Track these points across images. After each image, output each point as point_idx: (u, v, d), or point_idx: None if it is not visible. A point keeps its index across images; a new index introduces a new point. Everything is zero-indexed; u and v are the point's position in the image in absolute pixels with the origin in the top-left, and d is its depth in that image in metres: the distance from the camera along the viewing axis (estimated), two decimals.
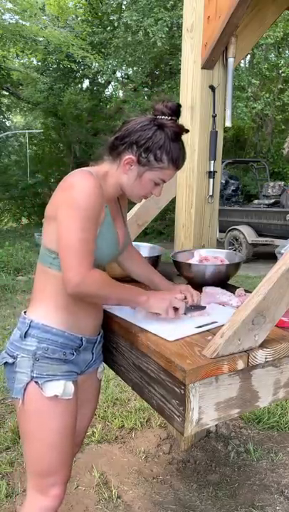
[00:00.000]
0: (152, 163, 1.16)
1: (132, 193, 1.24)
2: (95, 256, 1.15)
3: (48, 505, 1.21)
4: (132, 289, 1.23)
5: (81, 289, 1.08)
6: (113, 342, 1.40)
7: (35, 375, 1.15)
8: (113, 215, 1.25)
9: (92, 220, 1.10)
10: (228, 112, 1.91)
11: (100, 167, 1.22)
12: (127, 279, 1.69)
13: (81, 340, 1.23)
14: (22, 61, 13.19)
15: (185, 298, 1.38)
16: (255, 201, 8.67)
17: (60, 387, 1.16)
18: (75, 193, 1.09)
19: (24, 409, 1.17)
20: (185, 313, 1.26)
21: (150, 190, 1.23)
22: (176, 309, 1.23)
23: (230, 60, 1.83)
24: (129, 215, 2.03)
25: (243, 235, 7.78)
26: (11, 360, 1.19)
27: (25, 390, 1.16)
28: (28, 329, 1.17)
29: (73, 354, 1.21)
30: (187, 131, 1.19)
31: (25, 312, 1.23)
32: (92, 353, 1.31)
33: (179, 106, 1.18)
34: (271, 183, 8.68)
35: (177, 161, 1.18)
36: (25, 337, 1.17)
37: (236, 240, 8.00)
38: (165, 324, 1.23)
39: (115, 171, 1.20)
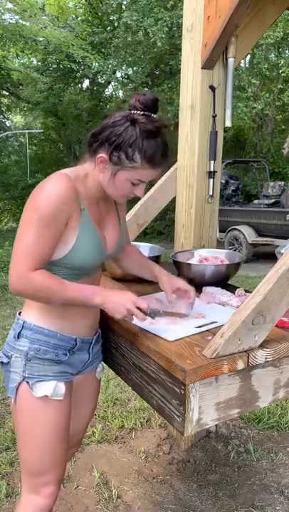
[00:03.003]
0: (124, 162, 1.08)
1: (111, 193, 1.16)
2: (75, 260, 1.13)
3: (42, 504, 1.22)
4: (85, 289, 1.13)
5: (18, 288, 1.07)
6: (113, 342, 1.40)
7: (26, 375, 1.16)
8: (96, 218, 1.18)
9: (51, 224, 1.05)
10: (228, 112, 1.91)
11: (82, 167, 1.16)
12: (127, 279, 1.69)
13: (75, 341, 1.22)
14: (22, 61, 13.20)
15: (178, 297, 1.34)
16: (255, 201, 8.67)
17: (51, 388, 1.16)
18: (39, 196, 1.06)
19: (16, 408, 1.19)
20: (152, 317, 1.20)
21: (129, 190, 1.15)
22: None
23: (230, 60, 1.83)
24: (129, 215, 2.03)
25: (243, 235, 7.78)
26: (5, 360, 1.20)
27: (17, 389, 1.17)
28: (21, 330, 1.18)
29: (66, 355, 1.21)
30: (164, 126, 1.09)
31: (19, 313, 1.24)
32: (89, 353, 1.30)
33: (154, 99, 1.08)
34: (271, 183, 8.68)
35: (152, 159, 1.07)
36: (18, 337, 1.18)
37: (236, 239, 7.99)
38: (165, 324, 1.23)
39: (93, 171, 1.14)
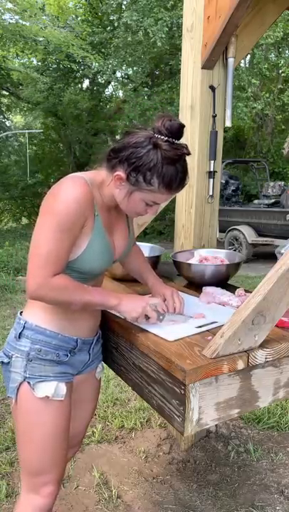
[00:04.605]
0: (141, 184, 1.08)
1: (124, 208, 1.18)
2: (84, 265, 1.14)
3: (41, 504, 1.22)
4: (103, 292, 1.18)
5: (37, 295, 1.07)
6: (113, 342, 1.40)
7: (27, 376, 1.16)
8: (107, 225, 1.19)
9: (69, 229, 1.05)
10: (228, 112, 1.91)
11: (99, 174, 1.16)
12: (127, 279, 1.70)
13: (76, 341, 1.22)
14: (22, 61, 13.18)
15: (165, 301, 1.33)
16: (255, 201, 8.67)
17: (52, 388, 1.16)
18: (56, 200, 1.05)
19: (17, 408, 1.19)
20: (160, 321, 1.22)
21: (142, 209, 1.16)
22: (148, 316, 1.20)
23: (230, 60, 1.83)
24: None
25: (243, 235, 7.78)
26: (6, 360, 1.20)
27: (18, 389, 1.17)
28: (22, 330, 1.18)
29: (67, 355, 1.21)
30: (186, 154, 1.09)
31: (21, 313, 1.24)
32: (89, 354, 1.30)
33: (180, 126, 1.07)
34: (271, 183, 8.68)
35: (170, 185, 1.08)
36: (19, 337, 1.18)
37: (236, 239, 8.00)
38: (165, 324, 1.23)
39: (110, 183, 1.14)
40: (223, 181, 8.68)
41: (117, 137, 1.28)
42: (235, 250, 7.74)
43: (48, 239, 1.04)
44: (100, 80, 13.70)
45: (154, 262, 1.82)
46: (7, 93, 14.22)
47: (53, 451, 1.20)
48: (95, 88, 14.07)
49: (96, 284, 1.26)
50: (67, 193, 1.05)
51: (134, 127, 1.13)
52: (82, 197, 1.06)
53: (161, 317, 1.23)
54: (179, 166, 1.08)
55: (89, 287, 1.14)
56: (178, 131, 1.07)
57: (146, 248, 1.95)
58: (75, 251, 1.11)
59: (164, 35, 8.59)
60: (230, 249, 7.64)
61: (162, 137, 1.06)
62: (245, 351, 1.06)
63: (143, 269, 1.46)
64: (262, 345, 1.08)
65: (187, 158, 1.12)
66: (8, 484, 1.94)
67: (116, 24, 10.26)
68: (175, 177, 1.08)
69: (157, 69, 12.03)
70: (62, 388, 1.19)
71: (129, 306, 1.17)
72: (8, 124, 16.71)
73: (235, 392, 1.09)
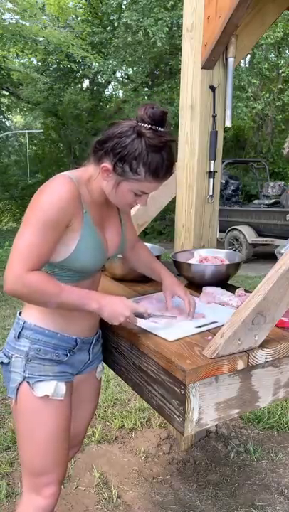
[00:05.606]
0: (128, 174, 1.08)
1: (113, 201, 1.17)
2: (77, 263, 1.13)
3: (43, 505, 1.21)
4: (81, 294, 1.12)
5: (13, 288, 1.04)
6: (113, 342, 1.40)
7: (27, 375, 1.16)
8: (97, 221, 1.18)
9: (52, 227, 1.04)
10: (228, 112, 1.91)
11: (86, 170, 1.16)
12: (127, 279, 1.70)
13: (75, 341, 1.22)
14: (22, 61, 13.19)
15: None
16: (255, 201, 8.67)
17: (51, 388, 1.16)
18: (42, 197, 1.06)
19: (17, 408, 1.19)
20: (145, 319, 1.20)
21: (132, 200, 1.15)
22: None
23: (230, 60, 1.83)
24: None
25: (243, 235, 7.78)
26: (6, 360, 1.20)
27: (17, 389, 1.17)
28: (21, 330, 1.18)
29: (67, 355, 1.21)
30: (171, 141, 1.08)
31: (20, 313, 1.24)
32: (89, 354, 1.30)
33: (162, 113, 1.06)
34: (271, 183, 8.68)
35: (156, 173, 1.07)
36: (18, 338, 1.18)
37: (236, 239, 8.00)
38: (165, 324, 1.23)
39: (97, 176, 1.14)
40: (223, 181, 8.68)
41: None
42: (235, 250, 7.74)
43: (30, 234, 1.04)
44: (100, 80, 13.72)
45: None
46: (7, 93, 14.24)
47: (54, 451, 1.20)
48: (95, 88, 14.08)
49: (93, 282, 1.25)
50: (51, 192, 1.06)
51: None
52: (68, 196, 1.06)
53: (145, 316, 1.21)
54: (165, 153, 1.07)
55: (68, 287, 1.10)
56: (161, 118, 1.06)
57: None
58: (64, 250, 1.11)
59: (164, 35, 8.60)
60: (230, 249, 7.64)
61: (146, 125, 1.05)
62: (245, 351, 1.06)
63: (154, 264, 1.45)
64: (262, 345, 1.08)
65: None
66: (8, 484, 1.94)
67: (116, 24, 10.26)
68: (161, 165, 1.07)
69: (157, 69, 12.04)
70: (62, 388, 1.19)
71: (110, 313, 1.13)
72: (8, 124, 16.72)
73: (235, 392, 1.09)
